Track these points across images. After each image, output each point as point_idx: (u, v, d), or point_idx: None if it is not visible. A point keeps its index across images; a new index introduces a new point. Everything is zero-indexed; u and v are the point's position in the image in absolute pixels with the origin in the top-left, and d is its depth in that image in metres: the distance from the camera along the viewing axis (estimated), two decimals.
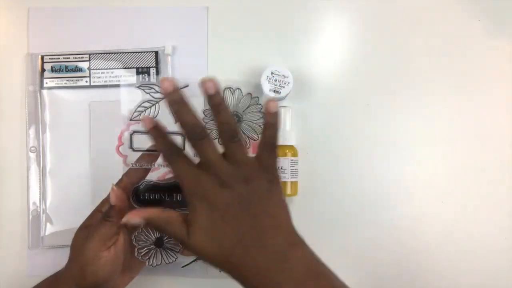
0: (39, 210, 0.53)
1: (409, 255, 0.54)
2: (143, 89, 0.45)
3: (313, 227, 0.54)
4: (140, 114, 0.45)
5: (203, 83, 0.36)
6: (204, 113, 0.45)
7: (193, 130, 0.37)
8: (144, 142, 0.44)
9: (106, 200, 0.42)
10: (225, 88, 0.45)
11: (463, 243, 0.54)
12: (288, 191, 0.51)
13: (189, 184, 0.37)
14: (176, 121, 0.37)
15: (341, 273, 0.54)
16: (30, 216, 0.53)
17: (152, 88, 0.45)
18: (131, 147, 0.44)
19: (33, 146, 0.54)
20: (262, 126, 0.42)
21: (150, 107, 0.45)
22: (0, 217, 0.54)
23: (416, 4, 0.56)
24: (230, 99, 0.45)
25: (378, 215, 0.54)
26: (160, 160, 0.44)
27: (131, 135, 0.44)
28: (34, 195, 0.53)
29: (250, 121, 0.46)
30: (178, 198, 0.45)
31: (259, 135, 0.45)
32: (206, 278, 0.53)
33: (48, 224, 0.53)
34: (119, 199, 0.41)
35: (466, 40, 0.56)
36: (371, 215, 0.54)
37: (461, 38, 0.56)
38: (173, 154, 0.38)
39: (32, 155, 0.54)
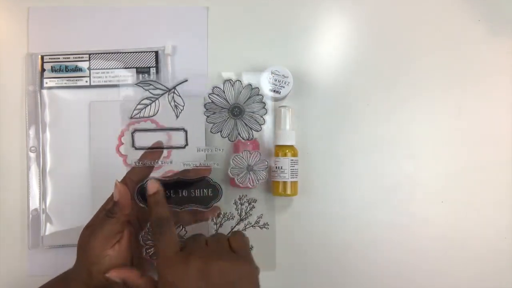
0: (39, 210, 0.53)
1: (409, 254, 0.54)
2: (142, 86, 0.45)
3: (313, 227, 0.54)
4: (140, 111, 0.45)
5: None
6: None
7: None
8: (146, 140, 0.44)
9: (111, 198, 0.43)
10: (225, 81, 0.45)
11: (463, 243, 0.54)
12: (288, 191, 0.51)
13: (164, 262, 0.39)
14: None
15: (341, 272, 0.55)
16: (30, 216, 0.53)
17: (151, 85, 0.45)
18: (133, 145, 0.44)
19: (33, 146, 0.54)
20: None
21: (150, 104, 0.45)
22: (0, 217, 0.54)
23: (416, 5, 0.56)
24: (230, 91, 0.45)
25: (378, 215, 0.54)
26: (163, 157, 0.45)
27: (132, 133, 0.45)
28: (34, 195, 0.53)
29: (252, 112, 0.46)
30: (184, 194, 0.45)
31: (261, 126, 0.46)
32: None
33: (48, 224, 0.53)
34: (122, 195, 0.41)
35: (466, 40, 0.56)
36: (371, 215, 0.54)
37: (461, 38, 0.56)
38: (162, 226, 0.40)
39: (32, 155, 0.54)
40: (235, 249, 0.41)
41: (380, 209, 0.54)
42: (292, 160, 0.51)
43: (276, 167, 0.51)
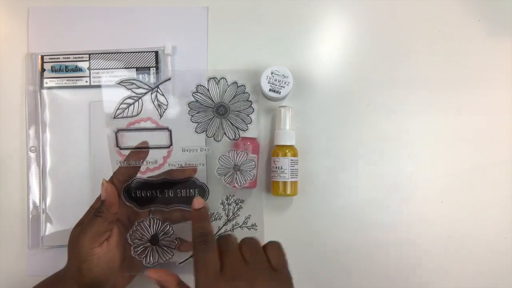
0: (39, 210, 0.53)
1: (408, 254, 0.54)
2: (124, 85, 0.44)
3: (313, 227, 0.54)
4: (123, 111, 0.44)
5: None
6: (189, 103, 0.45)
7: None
8: (131, 139, 0.44)
9: (99, 197, 0.43)
10: (210, 79, 0.43)
11: (463, 243, 0.54)
12: (288, 191, 0.51)
13: (206, 285, 0.37)
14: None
15: (341, 272, 0.55)
16: (30, 216, 0.53)
17: (134, 83, 0.44)
18: (117, 145, 0.44)
19: (33, 146, 0.54)
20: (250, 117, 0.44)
21: (133, 103, 0.44)
22: (0, 217, 0.54)
23: (416, 5, 0.56)
24: (215, 90, 0.44)
25: (378, 215, 0.54)
26: (149, 157, 0.44)
27: (115, 133, 0.44)
28: (34, 195, 0.53)
29: (237, 111, 0.44)
30: (170, 194, 0.45)
31: (248, 125, 0.44)
32: None
33: (48, 224, 0.53)
34: (109, 194, 0.41)
35: (466, 40, 0.56)
36: (371, 215, 0.54)
37: (461, 38, 0.56)
38: (207, 242, 0.39)
39: (32, 155, 0.54)
40: (275, 265, 0.39)
41: (380, 209, 0.54)
42: (292, 160, 0.51)
43: (276, 167, 0.51)
